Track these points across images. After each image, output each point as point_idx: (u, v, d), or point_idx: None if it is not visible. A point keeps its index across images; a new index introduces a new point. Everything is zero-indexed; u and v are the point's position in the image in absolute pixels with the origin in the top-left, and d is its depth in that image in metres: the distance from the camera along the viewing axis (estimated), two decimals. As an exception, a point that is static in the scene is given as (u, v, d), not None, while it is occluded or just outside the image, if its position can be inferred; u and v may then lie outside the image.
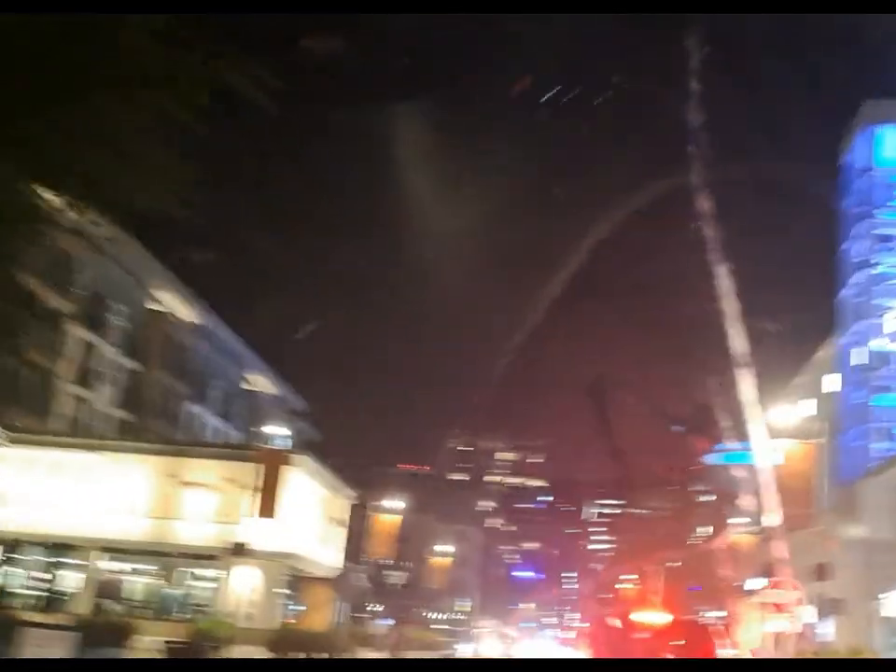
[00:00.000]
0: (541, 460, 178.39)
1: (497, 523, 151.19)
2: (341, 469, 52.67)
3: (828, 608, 34.20)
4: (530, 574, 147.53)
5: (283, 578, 40.25)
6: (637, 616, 14.70)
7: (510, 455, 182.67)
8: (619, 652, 13.33)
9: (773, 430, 24.67)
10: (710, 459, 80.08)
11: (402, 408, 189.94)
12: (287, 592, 42.64)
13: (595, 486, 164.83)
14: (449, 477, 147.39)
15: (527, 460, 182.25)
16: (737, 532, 46.99)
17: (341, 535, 46.88)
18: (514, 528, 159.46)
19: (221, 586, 39.27)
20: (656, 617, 14.39)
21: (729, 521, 48.49)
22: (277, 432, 55.86)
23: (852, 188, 34.55)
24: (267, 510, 36.82)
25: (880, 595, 34.35)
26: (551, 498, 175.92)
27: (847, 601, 34.95)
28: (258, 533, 38.82)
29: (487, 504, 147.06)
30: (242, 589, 39.03)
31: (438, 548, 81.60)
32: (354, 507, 50.96)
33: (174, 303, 62.81)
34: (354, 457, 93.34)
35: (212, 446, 45.23)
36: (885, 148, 33.90)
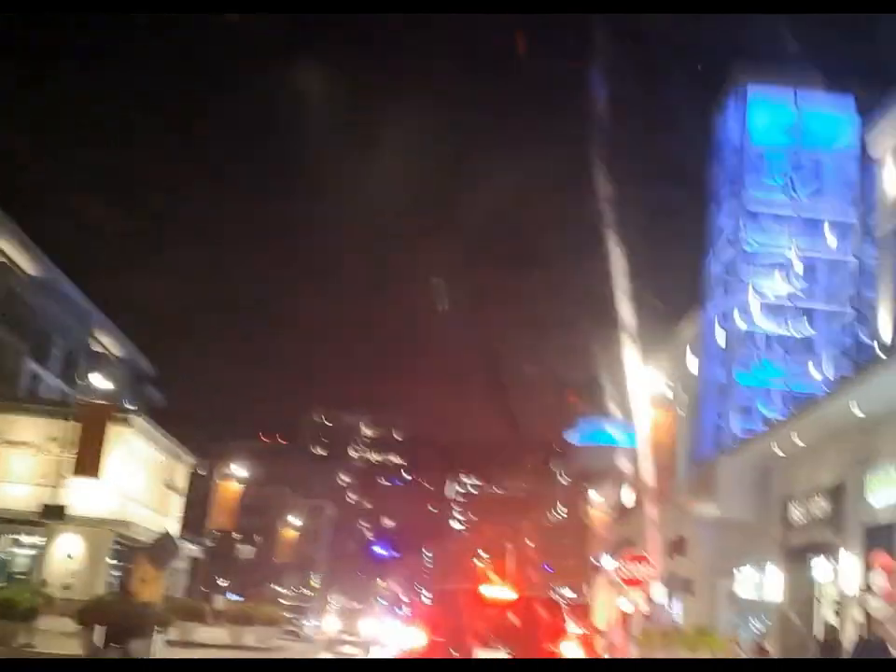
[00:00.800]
0: (403, 437, 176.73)
1: (357, 498, 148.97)
2: (191, 437, 50.01)
3: (679, 586, 33.06)
4: (387, 551, 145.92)
5: (110, 546, 37.25)
6: (483, 591, 12.79)
7: (373, 432, 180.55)
8: (455, 629, 12.02)
9: (636, 401, 22.97)
10: (572, 437, 79.59)
11: (265, 379, 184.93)
12: (116, 562, 39.64)
13: (456, 465, 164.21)
14: (310, 451, 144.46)
15: (392, 437, 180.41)
16: (595, 509, 45.91)
17: (178, 503, 43.96)
18: (374, 505, 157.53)
19: (42, 553, 36.17)
20: (500, 592, 13.15)
21: (588, 498, 47.38)
22: (103, 385, 51.82)
23: (723, 163, 33.15)
24: (88, 469, 33.78)
25: (727, 575, 33.47)
26: (411, 477, 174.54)
27: (695, 580, 33.97)
28: (80, 496, 35.78)
29: (348, 479, 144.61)
30: (62, 556, 35.96)
31: (291, 521, 78.85)
32: (198, 475, 48.03)
33: (14, 254, 58.41)
34: (207, 425, 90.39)
35: (33, 402, 41.52)
36: (757, 123, 32.54)
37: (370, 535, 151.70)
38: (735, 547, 31.91)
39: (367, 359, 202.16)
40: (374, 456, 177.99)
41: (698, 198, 34.98)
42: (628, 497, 49.56)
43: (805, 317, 32.81)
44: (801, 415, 25.12)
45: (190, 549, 47.45)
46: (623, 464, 51.24)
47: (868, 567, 21.95)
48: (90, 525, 35.79)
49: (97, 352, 72.32)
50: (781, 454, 27.51)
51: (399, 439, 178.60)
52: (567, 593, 65.45)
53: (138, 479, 38.17)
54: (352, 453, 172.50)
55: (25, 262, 58.92)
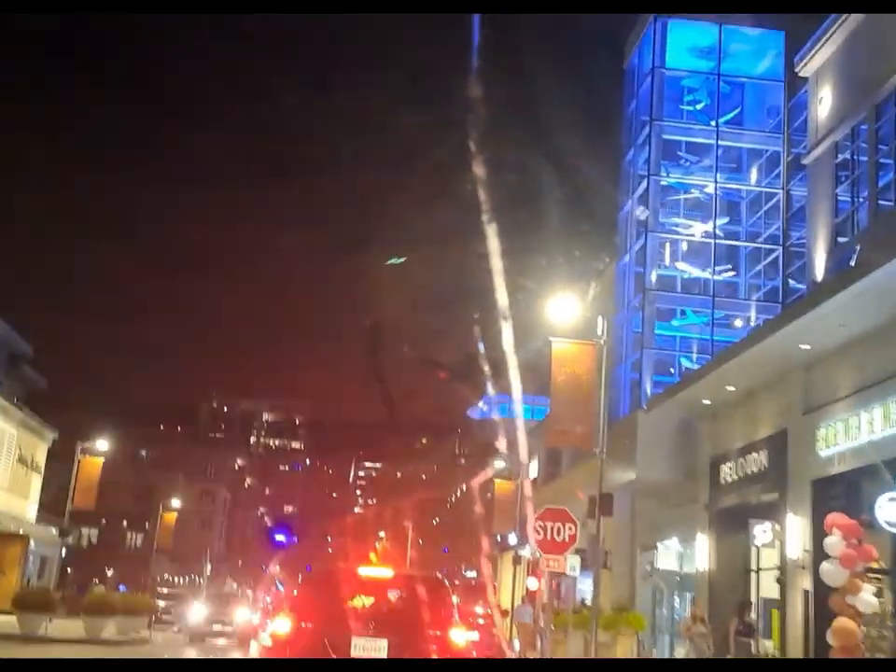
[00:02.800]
0: (302, 421, 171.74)
1: (256, 484, 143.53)
2: (78, 422, 45.19)
3: (594, 558, 29.34)
4: (286, 537, 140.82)
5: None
6: (359, 570, 11.44)
7: (272, 417, 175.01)
8: (327, 614, 10.67)
9: (553, 331, 19.09)
10: (472, 413, 76.10)
11: (157, 360, 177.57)
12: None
13: (357, 448, 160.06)
14: (206, 436, 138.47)
15: (293, 422, 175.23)
16: (500, 483, 42.26)
17: (34, 482, 38.90)
18: (273, 491, 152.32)
19: None
20: (376, 572, 11.80)
21: (491, 474, 43.67)
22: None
23: (637, 91, 29.35)
24: None
25: (647, 547, 30.05)
26: (311, 462, 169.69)
27: (612, 552, 30.44)
28: None
29: (246, 465, 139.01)
30: None
31: (183, 506, 73.78)
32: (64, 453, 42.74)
33: None
34: (95, 410, 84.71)
35: None
36: (674, 46, 28.86)
37: (269, 521, 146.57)
38: (656, 515, 28.54)
39: (261, 346, 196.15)
40: (274, 441, 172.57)
41: (610, 135, 31.26)
42: (535, 468, 46.21)
43: (729, 258, 29.31)
44: (730, 356, 21.56)
45: (52, 534, 42.56)
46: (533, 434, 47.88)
47: (819, 527, 18.67)
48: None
49: (-37, 328, 66.41)
50: (708, 402, 24.09)
51: (299, 423, 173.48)
52: (470, 573, 62.00)
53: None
54: (252, 438, 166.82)
55: None
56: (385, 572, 11.73)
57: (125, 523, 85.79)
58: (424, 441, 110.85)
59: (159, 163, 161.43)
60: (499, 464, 41.21)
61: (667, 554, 29.10)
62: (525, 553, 42.56)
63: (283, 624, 10.57)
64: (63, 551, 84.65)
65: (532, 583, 40.51)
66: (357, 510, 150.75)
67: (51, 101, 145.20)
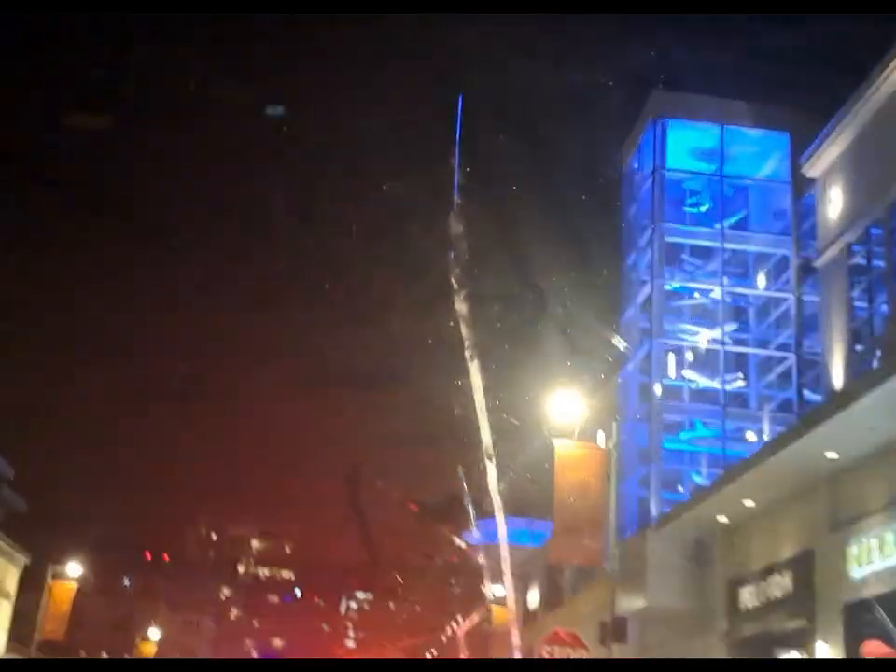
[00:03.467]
0: (292, 550, 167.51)
1: (243, 615, 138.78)
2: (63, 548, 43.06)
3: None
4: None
5: None
6: None
7: (261, 545, 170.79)
8: None
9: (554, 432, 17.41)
10: (467, 540, 73.54)
11: (138, 484, 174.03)
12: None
13: (347, 578, 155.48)
14: (192, 565, 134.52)
15: (282, 551, 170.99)
16: (496, 608, 39.86)
17: (6, 609, 36.31)
18: (261, 623, 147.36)
19: None
20: None
21: (491, 601, 41.34)
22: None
23: (638, 194, 28.35)
24: None
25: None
26: (300, 592, 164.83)
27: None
28: None
29: (233, 595, 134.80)
30: None
31: (161, 637, 70.57)
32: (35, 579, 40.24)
33: None
34: (72, 532, 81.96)
35: None
36: (674, 147, 27.95)
37: (255, 654, 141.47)
38: (669, 646, 26.26)
39: (250, 476, 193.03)
40: (263, 571, 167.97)
41: (610, 242, 30.13)
42: (535, 596, 43.87)
43: (738, 367, 27.80)
44: (748, 467, 19.84)
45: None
46: (531, 561, 45.81)
47: (854, 657, 16.73)
48: None
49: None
50: (724, 519, 22.24)
51: (289, 552, 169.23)
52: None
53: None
54: (239, 567, 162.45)
55: None
56: None
57: (104, 654, 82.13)
58: (415, 571, 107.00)
59: (136, 286, 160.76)
60: (496, 590, 38.84)
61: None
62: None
63: None
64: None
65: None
66: (348, 643, 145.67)
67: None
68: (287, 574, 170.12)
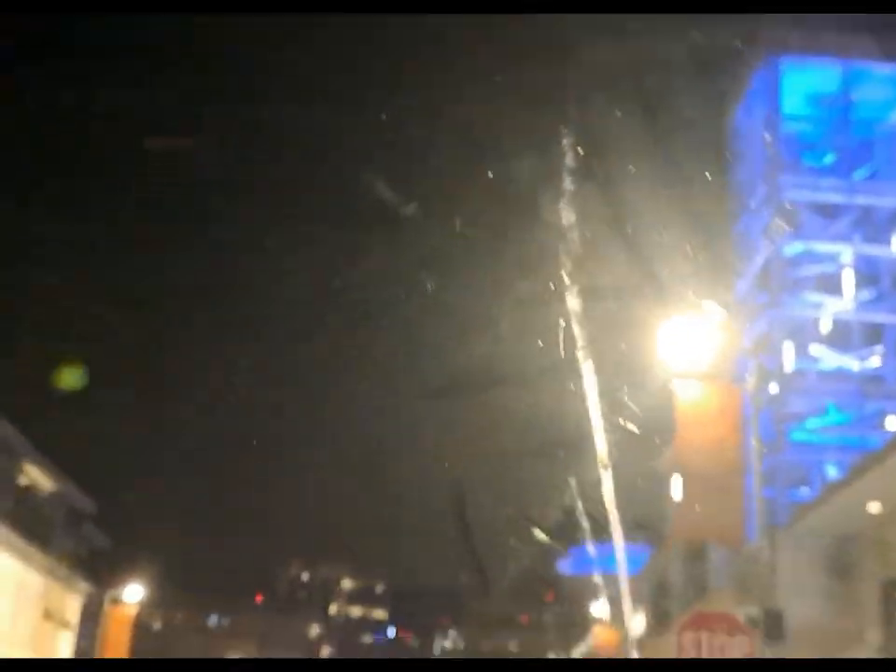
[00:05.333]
0: (384, 590, 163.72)
1: (333, 654, 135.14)
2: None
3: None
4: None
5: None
6: None
7: (352, 584, 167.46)
8: None
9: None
10: (567, 568, 69.11)
11: (229, 523, 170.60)
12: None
13: (441, 617, 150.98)
14: (284, 605, 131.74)
15: (373, 590, 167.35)
16: (599, 632, 35.67)
17: (66, 639, 33.29)
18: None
19: None
20: None
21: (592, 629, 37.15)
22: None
23: (748, 148, 24.30)
24: None
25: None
26: (394, 631, 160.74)
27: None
28: None
29: (322, 633, 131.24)
30: None
31: None
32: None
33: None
34: (158, 570, 79.50)
35: None
36: (789, 93, 23.92)
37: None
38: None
39: (339, 510, 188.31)
40: (355, 611, 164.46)
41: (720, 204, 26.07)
42: (638, 623, 39.51)
43: (873, 342, 23.51)
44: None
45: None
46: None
47: None
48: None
49: (22, 486, 62.41)
50: (876, 510, 18.07)
51: (380, 592, 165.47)
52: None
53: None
54: (331, 608, 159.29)
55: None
56: None
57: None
58: (515, 610, 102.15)
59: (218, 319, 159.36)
60: (600, 612, 34.63)
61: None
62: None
63: None
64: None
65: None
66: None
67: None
68: (379, 613, 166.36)
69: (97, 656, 31.04)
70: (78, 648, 33.67)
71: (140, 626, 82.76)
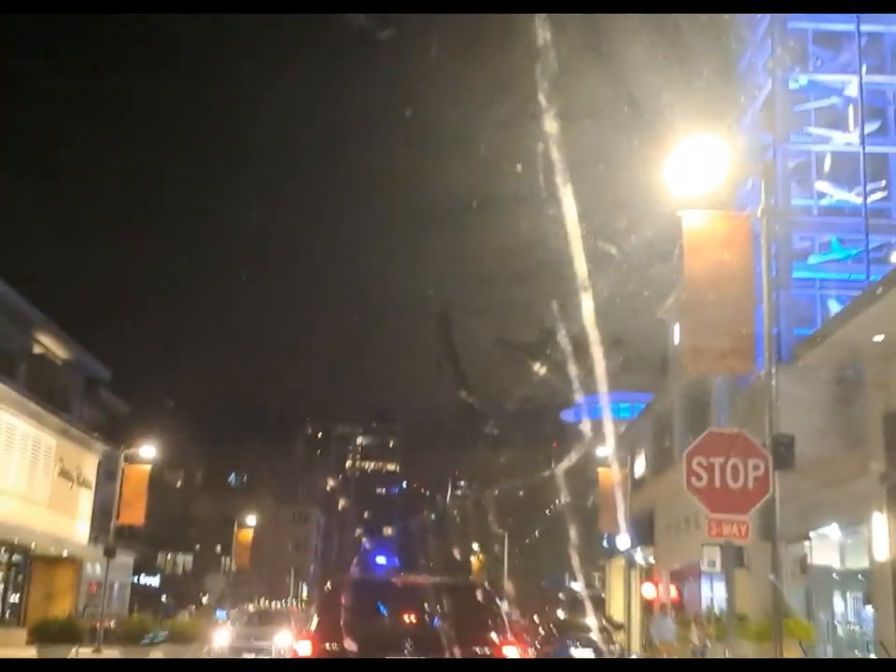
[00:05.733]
0: (396, 443, 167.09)
1: (349, 506, 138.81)
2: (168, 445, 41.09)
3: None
4: (387, 560, 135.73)
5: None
6: (392, 579, 10.61)
7: (366, 440, 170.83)
8: (357, 631, 8.43)
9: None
10: (566, 416, 70.15)
11: (242, 380, 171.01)
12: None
13: (451, 467, 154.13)
14: (300, 460, 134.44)
15: (387, 445, 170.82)
16: (602, 470, 36.16)
17: (83, 499, 33.91)
18: (371, 514, 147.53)
19: None
20: (414, 580, 10.01)
21: (600, 467, 37.52)
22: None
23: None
24: None
25: (797, 538, 23.61)
26: (405, 483, 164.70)
27: (749, 548, 24.09)
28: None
29: (337, 486, 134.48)
30: None
31: (253, 522, 68.85)
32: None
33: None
34: (176, 432, 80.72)
35: None
36: None
37: (368, 544, 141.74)
38: (807, 497, 22.21)
39: (342, 364, 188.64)
40: (369, 465, 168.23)
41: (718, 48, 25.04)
42: (641, 463, 40.12)
43: (878, 177, 22.92)
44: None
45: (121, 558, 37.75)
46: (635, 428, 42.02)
47: None
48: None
49: (38, 354, 62.69)
50: (880, 338, 17.88)
51: (392, 445, 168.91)
52: (575, 585, 55.86)
53: (6, 465, 28.27)
54: (347, 462, 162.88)
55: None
56: (422, 581, 9.95)
57: (218, 548, 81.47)
58: (514, 449, 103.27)
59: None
60: (602, 451, 35.03)
61: (824, 546, 22.68)
62: (638, 557, 36.45)
63: (303, 647, 8.73)
64: (158, 578, 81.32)
65: (648, 591, 34.41)
66: (452, 529, 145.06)
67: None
68: (392, 466, 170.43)
69: (115, 513, 31.59)
70: (96, 505, 34.32)
71: (161, 485, 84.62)
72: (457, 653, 8.31)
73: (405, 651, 8.30)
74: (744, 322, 11.71)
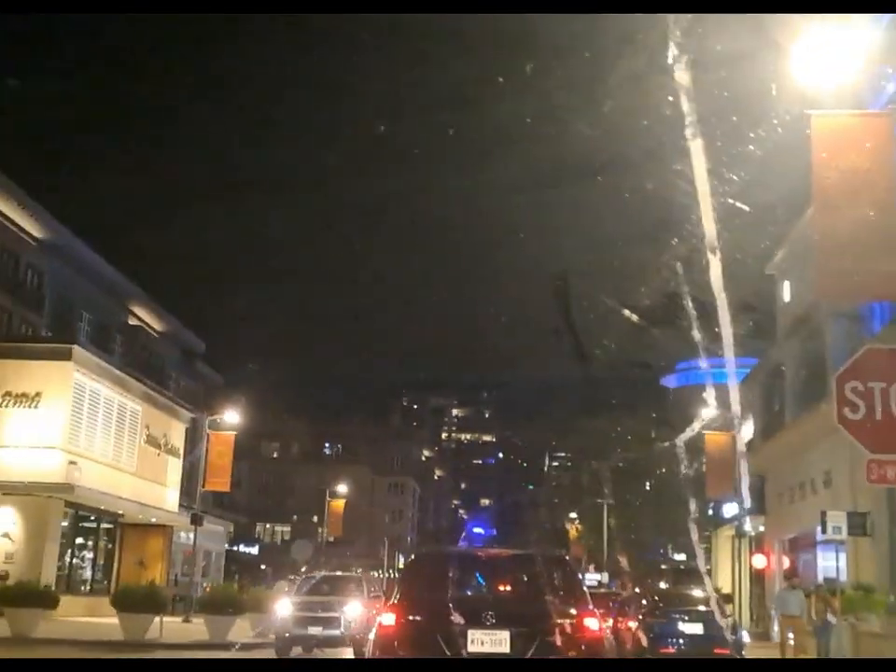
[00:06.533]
0: (493, 414, 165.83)
1: (446, 477, 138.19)
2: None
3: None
4: (484, 530, 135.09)
5: (59, 520, 26.91)
6: (475, 552, 10.65)
7: (461, 411, 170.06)
8: (438, 604, 8.56)
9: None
10: (668, 381, 67.73)
11: (341, 352, 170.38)
12: (82, 541, 29.36)
13: (548, 438, 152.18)
14: (396, 431, 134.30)
15: (482, 415, 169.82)
16: (709, 434, 33.87)
17: (171, 466, 33.13)
18: (467, 485, 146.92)
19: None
20: (493, 553, 10.48)
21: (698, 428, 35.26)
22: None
23: None
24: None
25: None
26: (501, 454, 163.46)
27: (874, 512, 21.85)
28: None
29: (433, 456, 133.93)
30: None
31: (345, 491, 68.15)
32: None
33: (18, 218, 48.44)
34: (272, 405, 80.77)
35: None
36: None
37: (465, 515, 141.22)
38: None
39: (444, 336, 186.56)
40: (464, 436, 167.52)
41: None
42: (749, 428, 37.74)
43: None
44: None
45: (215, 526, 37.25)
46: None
47: None
48: (25, 493, 25.38)
49: (133, 326, 62.76)
50: None
51: (488, 417, 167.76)
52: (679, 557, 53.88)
53: (92, 432, 27.53)
54: (443, 434, 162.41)
55: (33, 227, 49.32)
56: (503, 552, 10.30)
57: (315, 518, 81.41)
58: (615, 417, 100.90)
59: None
60: (708, 414, 32.72)
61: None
62: (747, 526, 34.26)
63: (387, 619, 8.61)
64: (257, 548, 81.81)
65: (759, 562, 32.30)
66: (550, 499, 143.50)
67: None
68: (488, 437, 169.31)
69: (201, 480, 30.80)
70: (183, 470, 33.60)
71: (258, 456, 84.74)
72: (538, 626, 8.42)
73: (486, 623, 8.30)
74: (885, 241, 9.60)
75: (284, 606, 18.93)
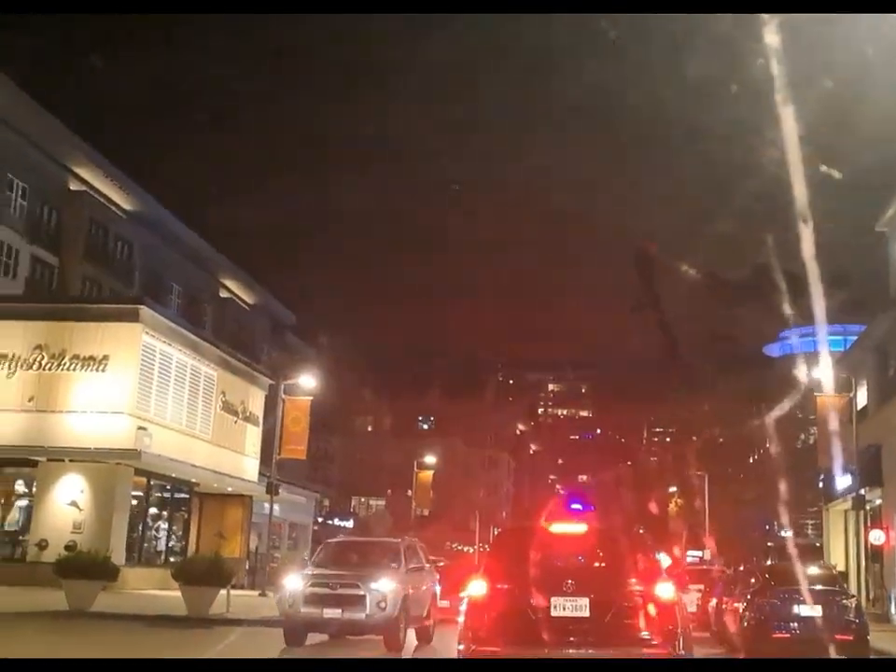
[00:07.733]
0: (588, 389, 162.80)
1: (541, 452, 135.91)
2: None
3: None
4: (582, 506, 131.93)
5: (129, 489, 25.70)
6: (551, 527, 10.27)
7: (557, 386, 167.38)
8: (522, 575, 9.25)
9: None
10: (771, 350, 64.38)
11: (437, 326, 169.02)
12: (156, 511, 28.16)
13: (646, 413, 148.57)
14: (492, 406, 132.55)
15: (577, 390, 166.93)
16: (821, 397, 31.00)
17: (250, 435, 31.70)
18: (562, 459, 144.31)
19: (36, 504, 24.99)
20: (569, 528, 10.26)
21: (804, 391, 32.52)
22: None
23: None
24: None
25: None
26: (599, 430, 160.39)
27: None
28: (75, 421, 24.30)
29: (527, 430, 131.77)
30: (61, 506, 24.57)
31: (433, 461, 66.40)
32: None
33: (107, 189, 47.78)
34: (362, 380, 79.75)
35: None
36: None
37: (561, 490, 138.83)
38: None
39: (536, 311, 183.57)
40: (561, 411, 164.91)
41: None
42: (863, 395, 34.70)
43: None
44: None
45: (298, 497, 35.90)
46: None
47: None
48: (91, 460, 24.17)
49: (224, 298, 62.11)
50: None
51: (584, 392, 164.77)
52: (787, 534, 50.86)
53: (163, 397, 26.19)
54: (539, 408, 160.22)
55: (121, 198, 48.66)
56: (580, 528, 10.11)
57: (409, 492, 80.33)
58: (716, 390, 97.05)
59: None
60: (818, 379, 29.78)
61: None
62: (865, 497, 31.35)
63: (478, 587, 9.30)
64: (352, 522, 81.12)
65: (876, 537, 29.49)
66: (648, 474, 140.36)
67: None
68: (584, 413, 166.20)
69: (277, 447, 29.30)
70: (261, 436, 32.19)
71: (351, 431, 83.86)
72: (614, 593, 9.02)
73: (567, 591, 8.87)
74: None
75: (293, 580, 14.71)
